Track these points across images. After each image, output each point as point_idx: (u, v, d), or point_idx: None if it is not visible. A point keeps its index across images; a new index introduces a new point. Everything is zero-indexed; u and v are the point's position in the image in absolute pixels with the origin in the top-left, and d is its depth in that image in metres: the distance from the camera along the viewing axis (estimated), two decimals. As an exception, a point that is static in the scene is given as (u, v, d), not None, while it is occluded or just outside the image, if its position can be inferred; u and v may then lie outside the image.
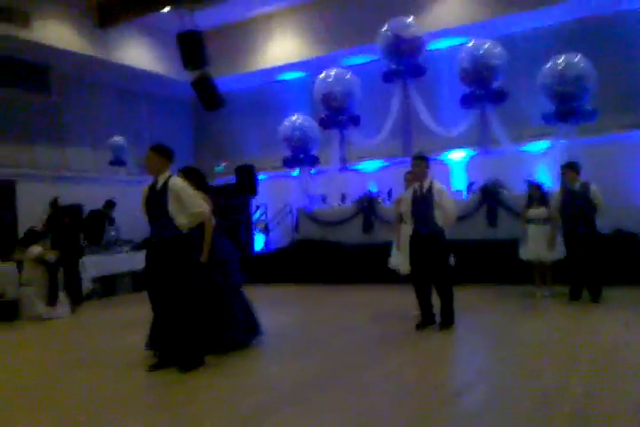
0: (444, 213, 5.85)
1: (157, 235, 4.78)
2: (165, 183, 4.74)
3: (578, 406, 3.34)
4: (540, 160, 10.49)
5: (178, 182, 4.76)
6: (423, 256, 5.85)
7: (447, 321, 5.86)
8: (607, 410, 3.25)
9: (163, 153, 4.85)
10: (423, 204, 5.89)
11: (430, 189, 5.89)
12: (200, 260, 4.94)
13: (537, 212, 7.56)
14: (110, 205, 11.21)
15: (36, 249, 8.25)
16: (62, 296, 8.25)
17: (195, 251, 4.86)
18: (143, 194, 4.94)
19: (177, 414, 3.61)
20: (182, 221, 4.71)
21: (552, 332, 5.51)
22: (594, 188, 7.07)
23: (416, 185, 6.01)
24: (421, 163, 5.99)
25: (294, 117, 12.46)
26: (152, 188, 4.84)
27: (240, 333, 5.35)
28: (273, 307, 8.24)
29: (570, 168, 7.20)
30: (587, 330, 5.58)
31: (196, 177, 5.38)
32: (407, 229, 6.19)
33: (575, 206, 7.03)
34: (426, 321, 5.92)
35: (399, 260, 6.67)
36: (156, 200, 4.77)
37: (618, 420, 3.10)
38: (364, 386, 4.01)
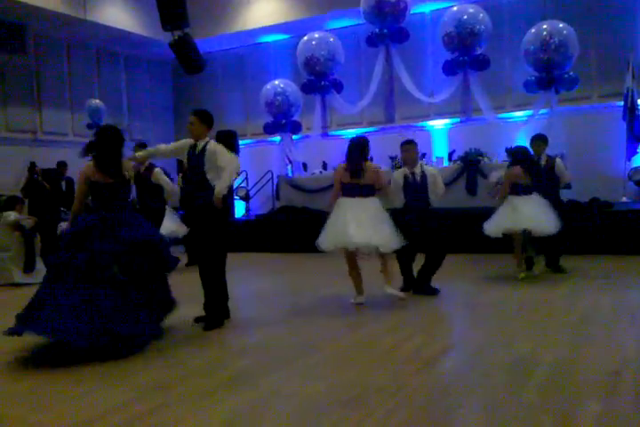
0: (436, 193, 6.07)
1: (197, 198, 4.91)
2: (204, 147, 4.93)
3: (550, 375, 3.39)
4: (521, 129, 10.48)
5: (215, 145, 4.94)
6: (416, 230, 5.85)
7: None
8: (579, 378, 3.30)
9: (205, 119, 5.04)
10: (420, 191, 5.99)
11: (424, 175, 5.99)
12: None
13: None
14: (61, 164, 10.62)
15: (11, 215, 8.16)
16: (40, 263, 8.20)
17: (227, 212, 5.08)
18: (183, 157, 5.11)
19: (159, 378, 3.62)
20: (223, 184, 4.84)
21: (526, 300, 5.60)
22: (559, 162, 6.97)
23: (406, 170, 6.04)
24: (411, 147, 6.03)
25: (277, 82, 12.27)
26: (191, 152, 4.99)
27: None
28: (252, 275, 8.28)
29: (542, 141, 7.01)
30: (560, 298, 5.68)
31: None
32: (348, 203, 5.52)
33: (540, 180, 6.88)
34: (407, 286, 6.11)
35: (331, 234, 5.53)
36: (195, 164, 4.94)
37: (590, 388, 3.14)
38: (343, 353, 4.09)
